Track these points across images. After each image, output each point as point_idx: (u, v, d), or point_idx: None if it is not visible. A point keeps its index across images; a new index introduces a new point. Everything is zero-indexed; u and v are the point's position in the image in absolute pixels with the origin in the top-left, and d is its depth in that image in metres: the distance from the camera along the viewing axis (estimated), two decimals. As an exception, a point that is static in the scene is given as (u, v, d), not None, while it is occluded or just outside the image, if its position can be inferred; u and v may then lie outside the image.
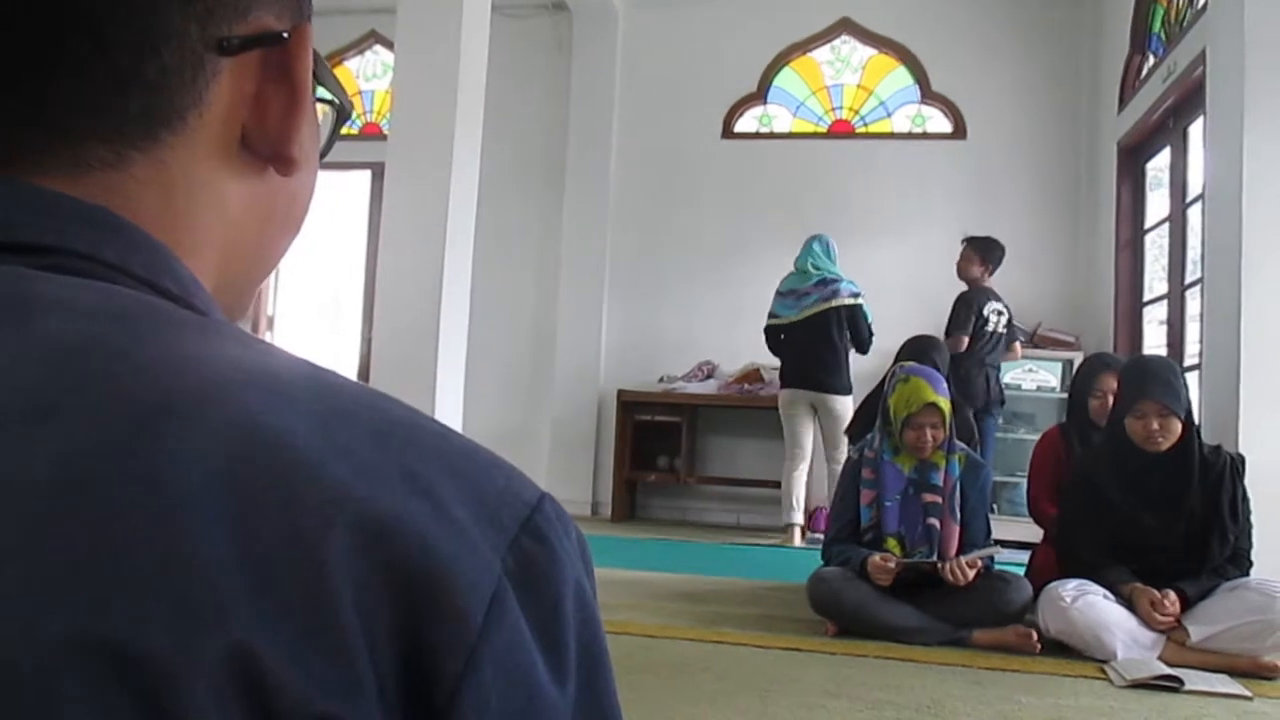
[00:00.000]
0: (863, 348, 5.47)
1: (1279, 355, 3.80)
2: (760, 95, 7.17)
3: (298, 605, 0.30)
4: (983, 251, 5.49)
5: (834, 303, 5.39)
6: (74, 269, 0.38)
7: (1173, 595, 2.97)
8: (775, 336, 5.59)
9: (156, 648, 0.29)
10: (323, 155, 0.49)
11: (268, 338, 7.09)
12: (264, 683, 0.29)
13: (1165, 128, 5.57)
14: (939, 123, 6.95)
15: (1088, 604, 3.01)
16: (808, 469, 5.56)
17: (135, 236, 0.40)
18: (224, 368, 0.35)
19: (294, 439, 0.33)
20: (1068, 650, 3.01)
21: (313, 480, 0.32)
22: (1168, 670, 2.73)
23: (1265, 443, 3.68)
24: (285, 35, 0.44)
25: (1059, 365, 6.22)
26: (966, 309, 5.35)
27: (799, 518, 5.50)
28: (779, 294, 5.61)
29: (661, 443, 6.69)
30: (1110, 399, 3.45)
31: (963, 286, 5.52)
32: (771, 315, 5.62)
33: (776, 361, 5.79)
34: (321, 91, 0.49)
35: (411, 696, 0.32)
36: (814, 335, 5.38)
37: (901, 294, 6.41)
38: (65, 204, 0.39)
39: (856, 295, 5.43)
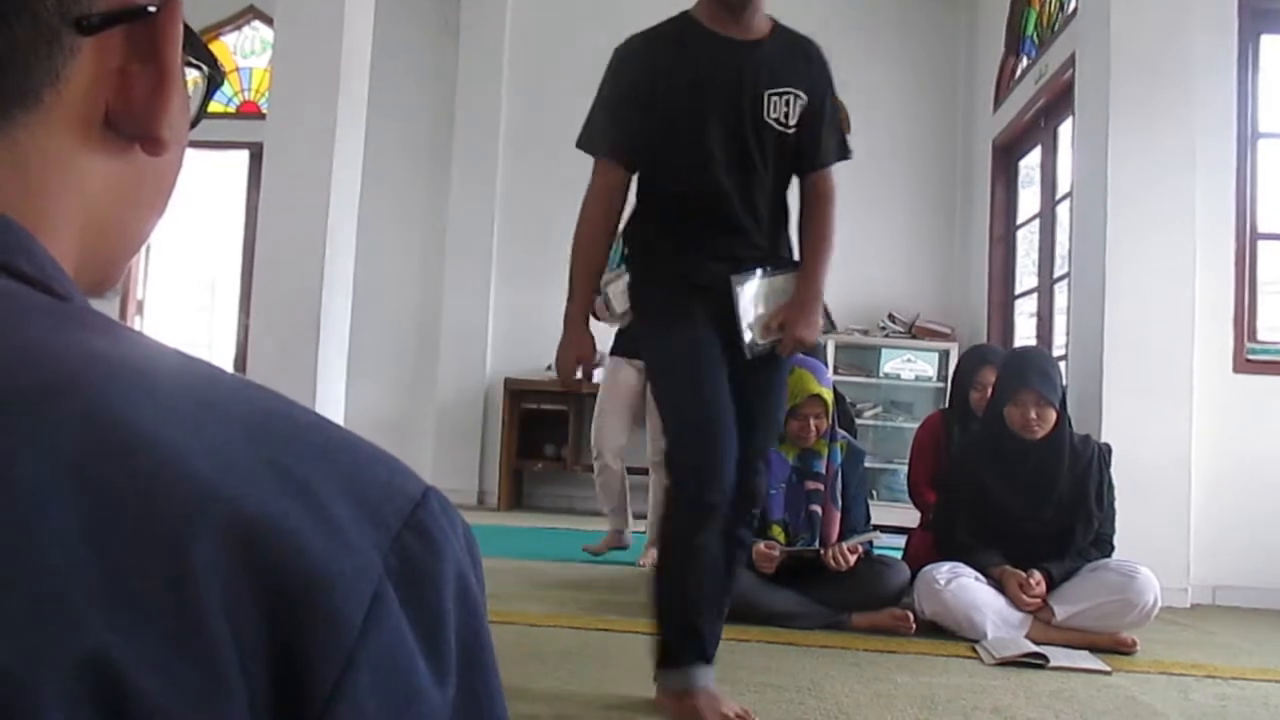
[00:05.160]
0: None
1: (1140, 346, 4.00)
2: (649, 84, 7.17)
3: (160, 611, 0.29)
4: None
5: None
6: None
7: (1038, 576, 3.10)
8: None
9: (4, 657, 0.27)
10: (193, 125, 0.46)
11: (136, 323, 6.80)
12: (122, 691, 0.28)
13: (1037, 127, 5.79)
14: (823, 117, 7.07)
15: (960, 586, 3.11)
16: None
17: None
18: (80, 358, 0.33)
19: (156, 434, 0.31)
20: (941, 631, 3.12)
21: (176, 479, 0.30)
22: (1034, 648, 2.85)
23: (1126, 429, 3.87)
24: (152, 10, 0.41)
25: (936, 356, 6.42)
26: None
27: None
28: None
29: (548, 431, 6.67)
30: (989, 392, 3.46)
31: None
32: None
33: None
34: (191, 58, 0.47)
35: (285, 702, 0.30)
36: None
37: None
38: None
39: None
